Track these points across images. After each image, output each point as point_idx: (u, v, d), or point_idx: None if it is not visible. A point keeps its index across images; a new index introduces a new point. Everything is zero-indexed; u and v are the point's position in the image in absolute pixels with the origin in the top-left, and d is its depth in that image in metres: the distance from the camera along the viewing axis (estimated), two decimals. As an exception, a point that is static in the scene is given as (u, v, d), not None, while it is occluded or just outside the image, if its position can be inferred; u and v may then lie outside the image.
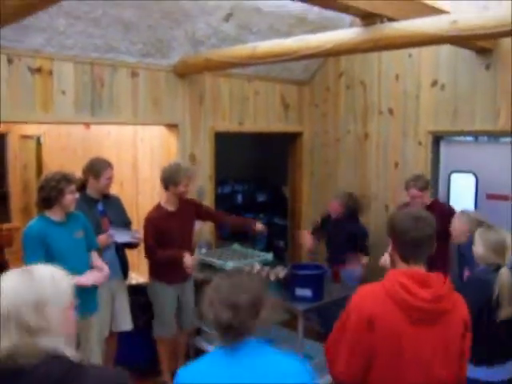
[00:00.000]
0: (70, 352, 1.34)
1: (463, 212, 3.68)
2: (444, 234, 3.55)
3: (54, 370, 1.28)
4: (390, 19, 3.24)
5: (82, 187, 3.88)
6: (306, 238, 5.04)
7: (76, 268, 3.31)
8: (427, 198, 4.35)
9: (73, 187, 3.34)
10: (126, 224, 4.10)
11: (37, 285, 1.35)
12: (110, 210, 4.00)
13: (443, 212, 4.00)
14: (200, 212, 4.32)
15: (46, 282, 1.37)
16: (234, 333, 1.68)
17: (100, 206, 3.96)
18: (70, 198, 3.31)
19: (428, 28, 3.06)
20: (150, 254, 4.02)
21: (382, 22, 3.24)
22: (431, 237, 1.99)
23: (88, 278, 3.33)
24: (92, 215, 3.81)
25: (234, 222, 4.61)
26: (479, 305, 2.59)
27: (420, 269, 1.98)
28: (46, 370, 1.27)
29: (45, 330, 1.32)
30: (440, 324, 1.92)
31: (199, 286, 4.30)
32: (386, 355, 1.89)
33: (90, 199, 3.90)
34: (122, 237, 3.88)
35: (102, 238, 3.75)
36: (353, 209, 4.96)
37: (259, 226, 4.44)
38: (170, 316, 4.13)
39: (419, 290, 1.88)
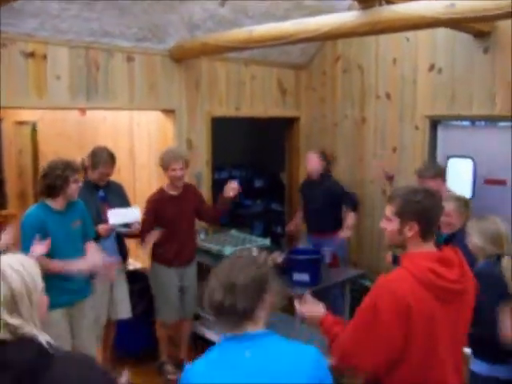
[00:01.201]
0: (43, 336, 1.34)
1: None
2: None
3: (25, 353, 1.29)
4: (388, 2, 3.21)
5: (84, 171, 3.88)
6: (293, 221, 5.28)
7: (70, 257, 3.32)
8: (443, 188, 3.92)
9: (77, 176, 3.31)
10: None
11: (7, 283, 1.32)
12: (112, 197, 3.97)
13: None
14: (200, 209, 4.24)
15: (16, 278, 1.34)
16: (228, 317, 1.57)
17: (101, 193, 3.94)
18: (75, 187, 3.29)
19: (425, 11, 3.02)
20: (145, 231, 3.94)
21: (380, 4, 3.21)
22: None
23: (82, 262, 3.31)
24: (93, 201, 3.80)
25: (221, 208, 4.42)
26: (493, 302, 2.52)
27: (432, 247, 1.97)
28: (17, 351, 1.29)
29: (22, 323, 1.32)
30: (460, 302, 1.95)
31: (200, 272, 4.31)
32: (421, 342, 1.86)
33: (91, 185, 3.89)
34: (124, 217, 3.81)
35: (102, 229, 3.72)
36: (326, 166, 5.04)
37: (229, 187, 4.15)
38: (171, 298, 4.11)
39: (446, 271, 1.89)
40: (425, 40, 4.77)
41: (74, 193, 3.31)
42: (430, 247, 1.97)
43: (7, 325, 1.30)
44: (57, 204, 3.29)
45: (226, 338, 1.63)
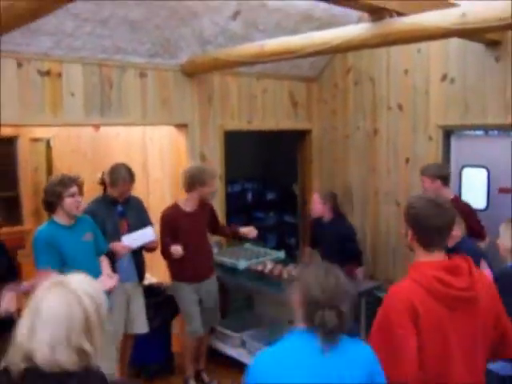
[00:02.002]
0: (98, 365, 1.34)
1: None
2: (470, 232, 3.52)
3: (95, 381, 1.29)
4: (399, 14, 3.22)
5: (104, 187, 3.92)
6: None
7: (85, 271, 3.33)
8: (446, 192, 3.95)
9: (72, 190, 3.30)
10: (146, 225, 4.03)
11: (84, 309, 1.32)
12: (130, 212, 3.97)
13: (464, 209, 3.73)
14: (212, 224, 4.28)
15: (90, 304, 1.34)
16: (336, 333, 1.71)
17: (120, 208, 3.94)
18: (70, 201, 3.29)
19: (437, 22, 3.03)
20: (165, 251, 4.00)
21: (390, 16, 3.21)
22: (452, 223, 1.98)
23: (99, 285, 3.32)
24: (111, 217, 3.83)
25: (230, 233, 4.48)
26: None
27: (442, 256, 1.96)
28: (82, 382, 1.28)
29: (94, 349, 1.32)
30: (472, 310, 1.92)
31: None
32: (431, 350, 1.86)
33: (110, 201, 3.90)
34: (136, 241, 3.83)
35: (117, 247, 3.73)
36: (334, 207, 4.72)
37: (245, 230, 4.33)
38: (195, 313, 4.12)
39: (452, 279, 1.87)
40: (436, 50, 4.77)
41: (71, 207, 3.30)
42: (436, 257, 1.95)
43: (81, 351, 1.28)
44: (62, 219, 3.33)
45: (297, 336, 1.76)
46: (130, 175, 3.88)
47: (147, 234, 3.88)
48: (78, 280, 1.39)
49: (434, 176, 4.00)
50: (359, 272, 4.67)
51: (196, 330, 4.14)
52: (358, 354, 1.76)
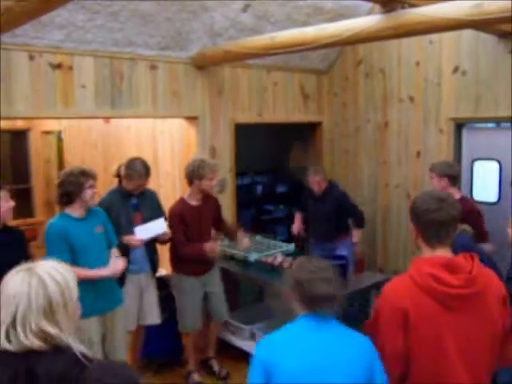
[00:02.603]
0: (76, 345, 1.35)
1: None
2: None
3: (61, 359, 1.31)
4: (411, 5, 3.19)
5: (119, 179, 3.93)
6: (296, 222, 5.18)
7: (97, 263, 3.37)
8: (452, 191, 3.83)
9: (91, 182, 3.34)
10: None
11: (45, 289, 1.34)
12: (144, 205, 3.97)
13: (471, 210, 3.74)
14: (216, 220, 4.28)
15: (54, 286, 1.36)
16: (329, 302, 1.87)
17: (134, 201, 3.94)
18: (90, 192, 3.32)
19: (450, 13, 3.00)
20: (179, 248, 4.00)
21: (403, 7, 3.19)
22: (455, 219, 1.92)
23: (105, 271, 3.35)
24: (125, 209, 3.84)
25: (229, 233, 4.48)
26: None
27: (446, 253, 1.92)
28: (50, 361, 1.30)
29: (58, 331, 1.33)
30: (475, 308, 1.87)
31: (226, 278, 4.32)
32: (424, 348, 1.84)
33: (125, 193, 3.91)
34: (148, 232, 3.84)
35: (130, 240, 3.75)
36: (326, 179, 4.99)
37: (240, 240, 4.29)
38: (194, 309, 4.11)
39: (448, 276, 1.83)
40: (449, 42, 4.73)
41: (89, 198, 3.34)
42: (439, 253, 1.92)
43: (44, 333, 1.31)
44: (76, 211, 3.34)
45: (307, 317, 1.90)
46: (145, 170, 3.88)
47: (159, 226, 3.89)
48: (45, 265, 1.40)
49: (442, 174, 3.94)
50: (356, 234, 4.86)
51: (188, 326, 4.14)
52: (357, 345, 1.88)
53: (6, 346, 1.29)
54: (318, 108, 5.94)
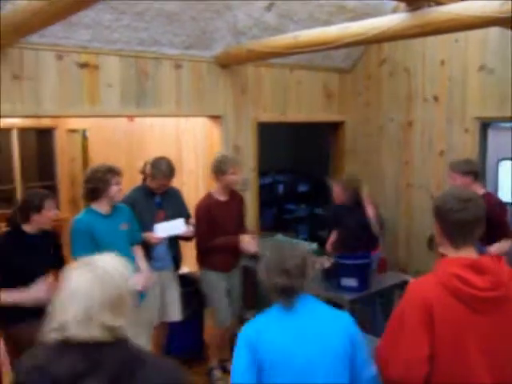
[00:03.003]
0: (136, 340, 1.40)
1: None
2: (497, 230, 3.46)
3: (120, 354, 1.34)
4: (437, 3, 3.17)
5: (143, 178, 3.98)
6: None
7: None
8: (476, 188, 3.85)
9: (118, 179, 3.40)
10: (184, 217, 4.07)
11: (110, 285, 1.38)
12: (168, 203, 4.01)
13: (494, 207, 3.64)
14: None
15: (118, 280, 1.41)
16: (289, 293, 1.97)
17: (158, 199, 3.98)
18: (115, 189, 3.39)
19: (478, 10, 2.96)
20: (203, 241, 4.01)
21: (429, 5, 3.16)
22: (479, 219, 1.88)
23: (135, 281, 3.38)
24: (148, 207, 3.88)
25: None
26: None
27: (471, 253, 1.89)
28: (113, 352, 1.34)
29: (124, 323, 1.38)
30: (499, 313, 1.84)
31: (244, 275, 4.34)
32: (448, 350, 1.80)
33: (148, 191, 3.95)
34: (170, 230, 3.88)
35: (149, 237, 3.78)
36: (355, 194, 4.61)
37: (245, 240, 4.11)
38: (225, 304, 4.14)
39: (475, 277, 1.79)
40: (475, 40, 4.67)
41: (115, 195, 3.41)
42: (463, 254, 1.89)
43: (109, 326, 1.34)
44: (102, 208, 3.40)
45: (278, 306, 2.01)
46: (170, 171, 3.91)
47: (178, 226, 3.92)
48: (105, 260, 1.46)
49: (465, 172, 3.90)
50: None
51: (223, 321, 4.16)
52: (336, 320, 2.02)
53: (74, 336, 1.33)
54: (340, 107, 5.92)
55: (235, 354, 1.95)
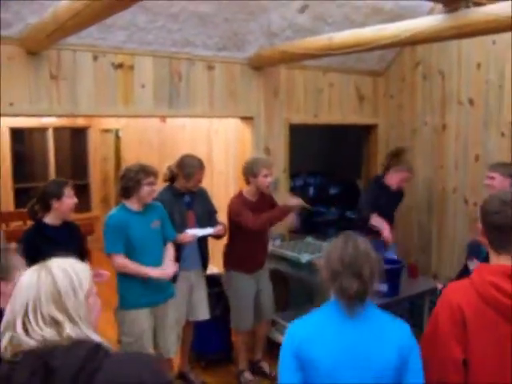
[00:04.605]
0: (95, 337, 1.36)
1: None
2: None
3: (78, 352, 1.30)
4: (476, 3, 3.10)
5: (171, 179, 3.97)
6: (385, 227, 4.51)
7: (151, 257, 3.45)
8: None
9: (151, 179, 3.41)
10: (211, 213, 4.12)
11: (53, 278, 1.38)
12: (197, 202, 4.02)
13: None
14: None
15: (61, 275, 1.40)
16: (357, 299, 1.81)
17: (187, 199, 3.98)
18: (147, 189, 3.40)
19: (518, 12, 2.89)
20: (255, 223, 3.88)
21: (467, 6, 3.10)
22: None
23: (156, 272, 3.42)
24: (178, 208, 3.89)
25: None
26: None
27: (510, 261, 1.79)
28: (70, 353, 1.30)
29: (67, 320, 1.35)
30: None
31: (276, 278, 4.34)
32: (483, 359, 1.75)
33: (177, 191, 3.94)
34: (201, 232, 3.89)
35: (182, 237, 3.80)
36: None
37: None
38: (248, 307, 4.13)
39: (511, 286, 1.73)
40: (513, 42, 4.56)
41: (146, 195, 3.41)
42: (503, 260, 1.80)
43: (54, 320, 1.33)
44: (134, 205, 3.43)
45: (332, 309, 1.87)
46: (200, 162, 3.91)
47: (208, 230, 3.94)
48: (59, 261, 1.45)
49: (506, 174, 3.82)
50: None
51: (241, 323, 4.16)
52: (390, 330, 1.85)
53: (25, 340, 1.31)
54: (373, 110, 5.86)
55: (281, 356, 1.88)
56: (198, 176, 3.91)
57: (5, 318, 1.37)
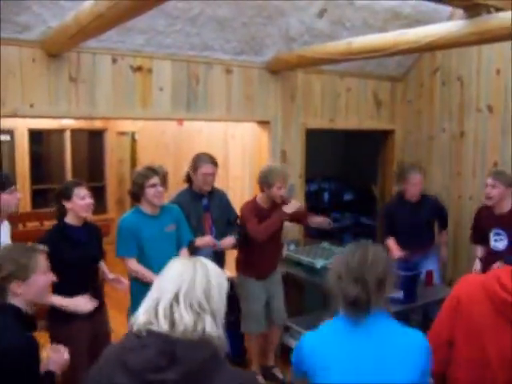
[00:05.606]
0: (217, 332, 1.43)
1: None
2: None
3: (203, 352, 1.37)
4: (498, 9, 3.07)
5: (189, 181, 3.96)
6: (393, 248, 4.58)
7: (164, 262, 3.42)
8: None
9: (153, 180, 3.35)
10: (230, 220, 4.09)
11: (208, 271, 1.47)
12: (214, 205, 3.99)
13: None
14: (298, 215, 4.26)
15: (214, 271, 1.49)
16: (360, 307, 1.75)
17: (204, 201, 3.95)
18: (151, 191, 3.35)
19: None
20: (256, 233, 3.90)
21: (488, 12, 3.07)
22: None
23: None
24: (195, 210, 3.87)
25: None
26: None
27: None
28: (196, 350, 1.36)
29: (210, 312, 1.43)
30: None
31: (289, 283, 4.31)
32: (467, 345, 1.86)
33: (194, 193, 3.92)
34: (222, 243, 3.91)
35: (202, 242, 3.78)
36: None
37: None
38: (258, 312, 4.12)
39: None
40: (533, 49, 4.51)
41: (152, 197, 3.37)
42: None
43: (200, 307, 1.40)
44: (147, 208, 3.42)
45: (344, 318, 1.81)
46: (211, 157, 3.88)
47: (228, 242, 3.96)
48: (204, 259, 1.55)
49: (507, 184, 3.85)
50: (445, 235, 4.86)
51: (250, 327, 4.15)
52: (404, 340, 1.78)
53: (160, 322, 1.37)
54: (390, 115, 5.83)
55: (293, 363, 1.89)
56: (204, 170, 3.83)
57: (149, 297, 1.45)
